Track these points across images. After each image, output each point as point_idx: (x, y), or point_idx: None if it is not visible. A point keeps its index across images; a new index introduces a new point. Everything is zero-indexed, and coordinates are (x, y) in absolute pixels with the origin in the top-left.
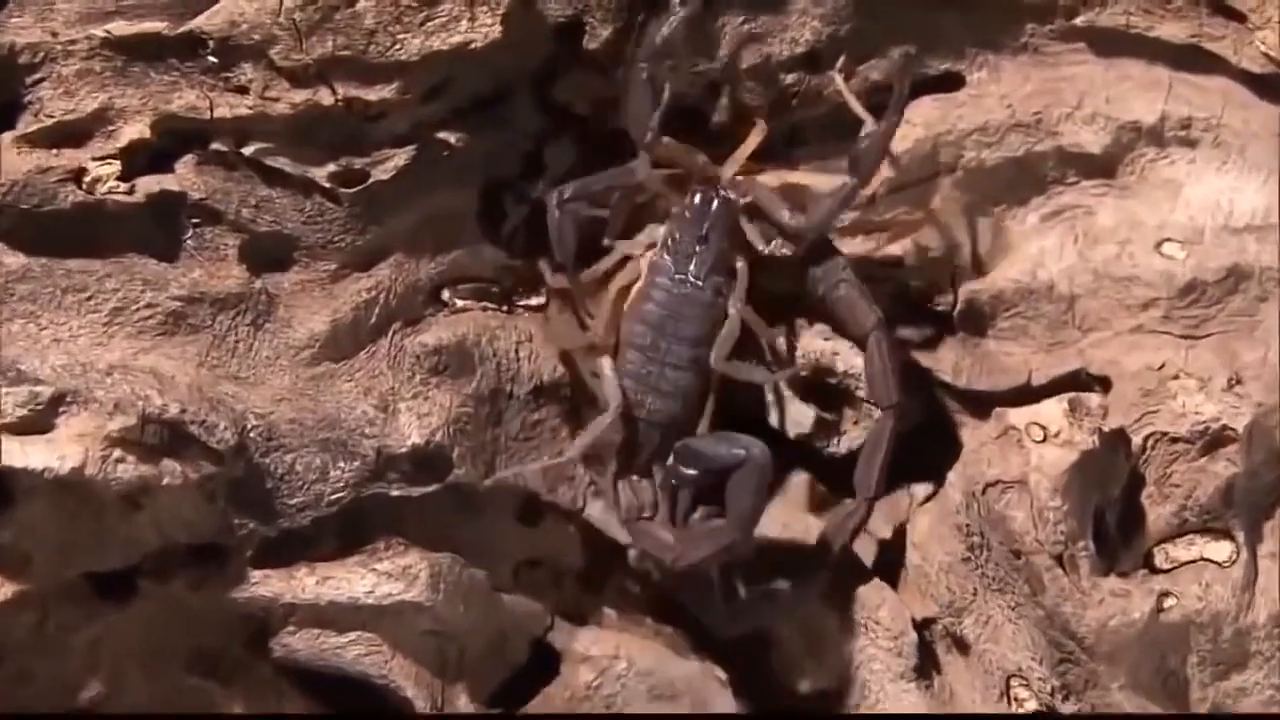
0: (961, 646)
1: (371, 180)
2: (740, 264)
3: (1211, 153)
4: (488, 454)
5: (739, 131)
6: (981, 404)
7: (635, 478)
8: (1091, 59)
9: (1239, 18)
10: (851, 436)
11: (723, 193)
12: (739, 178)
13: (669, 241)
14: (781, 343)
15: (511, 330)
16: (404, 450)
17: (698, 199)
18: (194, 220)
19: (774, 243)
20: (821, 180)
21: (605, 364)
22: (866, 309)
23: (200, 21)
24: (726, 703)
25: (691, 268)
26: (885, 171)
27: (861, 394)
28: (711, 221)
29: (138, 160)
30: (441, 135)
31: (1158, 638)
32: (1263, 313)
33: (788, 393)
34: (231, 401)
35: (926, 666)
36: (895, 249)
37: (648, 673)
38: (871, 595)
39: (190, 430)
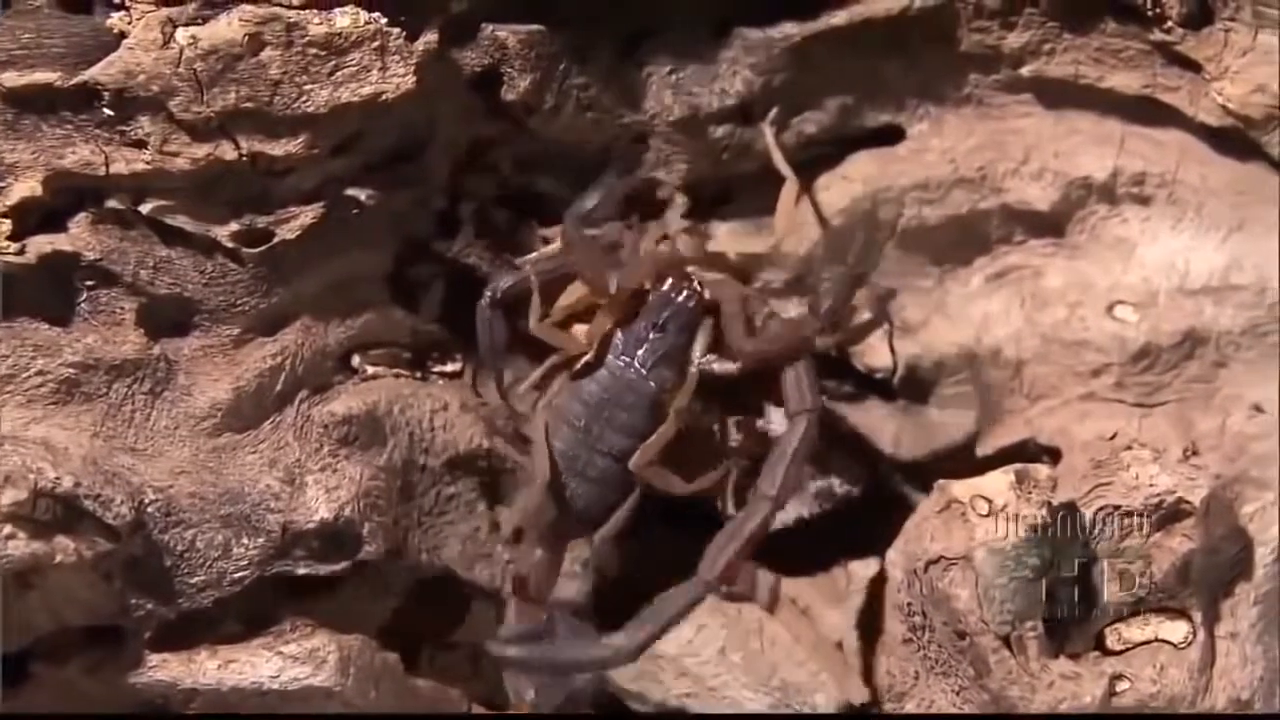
0: None
1: (277, 239)
2: (692, 367)
3: (1166, 210)
4: (400, 530)
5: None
6: (923, 476)
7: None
8: (1039, 111)
9: (1195, 68)
10: (786, 511)
11: (693, 287)
12: (719, 276)
13: (625, 328)
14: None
15: (425, 398)
16: (311, 526)
17: (666, 285)
18: (88, 282)
19: (708, 357)
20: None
21: (538, 431)
22: (808, 390)
23: (95, 72)
24: None
25: (640, 353)
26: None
27: None
28: (672, 312)
29: (29, 219)
30: (351, 192)
31: None
32: (1220, 379)
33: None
34: (128, 474)
35: None
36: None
37: None
38: (807, 679)
39: (85, 505)
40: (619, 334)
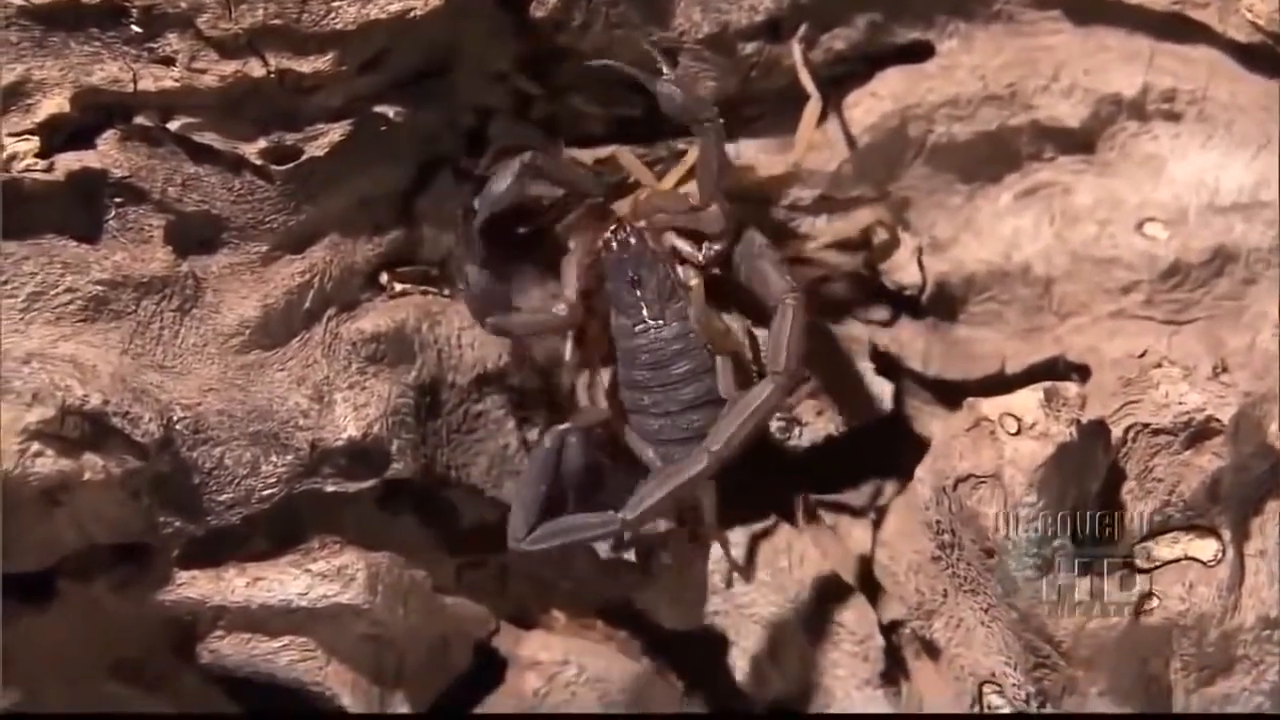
0: (931, 651)
1: (305, 157)
2: (695, 280)
3: (1196, 127)
4: (428, 447)
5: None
6: (952, 393)
7: None
8: (1068, 28)
9: None
10: (815, 428)
11: (630, 228)
12: (648, 214)
13: (615, 302)
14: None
15: (454, 315)
16: (340, 443)
17: (613, 246)
18: (116, 199)
19: (704, 247)
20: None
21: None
22: (779, 279)
23: None
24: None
25: (644, 313)
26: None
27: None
28: (633, 260)
29: (57, 136)
30: (379, 109)
31: (1139, 641)
32: (1249, 297)
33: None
34: (156, 392)
35: (894, 672)
36: (860, 228)
37: (598, 679)
38: (835, 597)
39: (113, 422)
40: (618, 317)
